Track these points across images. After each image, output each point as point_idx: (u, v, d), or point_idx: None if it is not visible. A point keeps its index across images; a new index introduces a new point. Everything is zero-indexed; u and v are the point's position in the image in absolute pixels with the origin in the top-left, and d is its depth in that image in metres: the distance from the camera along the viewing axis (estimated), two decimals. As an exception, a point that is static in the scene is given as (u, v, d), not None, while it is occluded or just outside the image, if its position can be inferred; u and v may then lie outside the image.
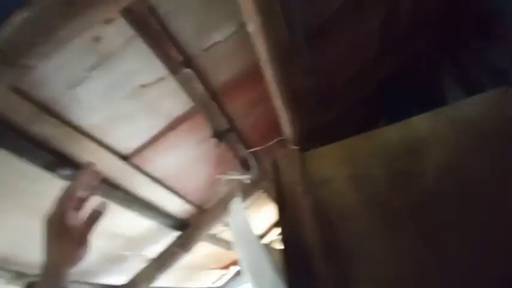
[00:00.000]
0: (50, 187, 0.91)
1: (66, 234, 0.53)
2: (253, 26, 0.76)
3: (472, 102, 0.95)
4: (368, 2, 1.17)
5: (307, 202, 1.06)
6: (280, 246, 2.14)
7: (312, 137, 1.19)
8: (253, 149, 1.43)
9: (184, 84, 0.98)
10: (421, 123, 0.99)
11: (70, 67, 0.75)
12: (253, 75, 1.07)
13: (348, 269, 0.91)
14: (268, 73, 0.87)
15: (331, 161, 1.12)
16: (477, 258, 0.76)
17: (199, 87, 1.02)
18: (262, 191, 1.92)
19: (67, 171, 0.90)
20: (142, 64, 0.87)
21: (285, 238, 1.11)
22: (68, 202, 0.54)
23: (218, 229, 1.83)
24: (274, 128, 1.24)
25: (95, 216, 0.59)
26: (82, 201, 0.58)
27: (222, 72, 1.06)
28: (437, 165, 0.92)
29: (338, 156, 1.12)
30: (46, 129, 0.81)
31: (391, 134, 1.04)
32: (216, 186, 1.48)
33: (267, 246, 2.26)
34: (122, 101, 0.91)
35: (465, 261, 0.77)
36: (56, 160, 0.87)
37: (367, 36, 1.29)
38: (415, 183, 0.95)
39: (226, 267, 2.70)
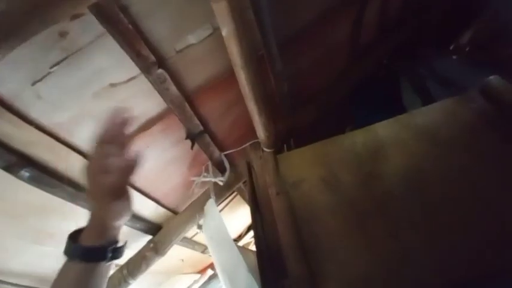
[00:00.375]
0: (11, 189, 0.86)
1: (104, 184, 0.50)
2: (226, 31, 0.78)
3: (428, 111, 1.04)
4: (337, 15, 1.24)
5: (280, 203, 1.09)
6: (253, 248, 2.16)
7: (285, 140, 1.23)
8: (227, 152, 1.44)
9: (157, 85, 0.97)
10: (382, 129, 1.06)
11: (33, 62, 0.71)
12: (227, 78, 1.08)
13: (319, 269, 0.93)
14: (242, 77, 0.89)
15: (303, 164, 1.16)
16: (437, 256, 0.82)
17: (173, 89, 1.01)
18: (236, 193, 1.93)
19: (28, 173, 0.85)
20: (112, 62, 0.85)
21: (258, 239, 1.12)
22: (103, 149, 0.51)
23: (192, 232, 1.81)
24: (248, 130, 1.26)
25: (131, 165, 0.54)
26: (120, 146, 0.53)
27: (196, 75, 1.06)
28: (397, 169, 0.99)
29: (310, 159, 1.16)
30: (5, 128, 0.76)
31: (357, 139, 1.10)
32: (189, 188, 1.47)
33: (243, 249, 2.26)
34: (89, 99, 0.88)
35: (427, 259, 0.83)
36: (17, 160, 0.82)
37: (337, 46, 1.37)
38: (378, 185, 1.01)
39: (202, 271, 2.67)
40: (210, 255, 2.01)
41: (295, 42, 1.23)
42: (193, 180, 1.43)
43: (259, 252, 1.05)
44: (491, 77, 0.98)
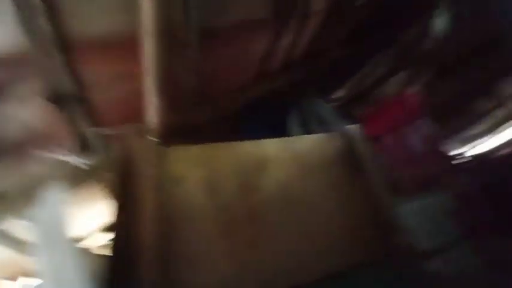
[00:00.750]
0: None
1: None
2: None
3: (306, 139, 1.24)
4: (258, 30, 1.31)
5: (157, 199, 0.97)
6: (104, 251, 1.82)
7: (175, 133, 1.14)
8: (102, 130, 1.19)
9: (27, 17, 0.70)
10: (269, 146, 1.17)
11: None
12: (130, 44, 0.91)
13: (177, 276, 0.88)
14: (149, 46, 0.77)
15: (190, 162, 1.11)
16: (290, 265, 0.92)
17: (46, 27, 0.75)
18: (98, 182, 1.60)
19: None
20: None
21: (118, 240, 0.95)
22: None
23: (11, 223, 1.34)
24: (136, 112, 1.10)
25: None
26: None
27: (91, 22, 0.83)
28: (274, 184, 1.09)
29: (197, 158, 1.12)
30: None
31: (245, 148, 1.15)
32: (29, 163, 1.10)
33: (84, 252, 1.86)
34: None
35: (281, 268, 0.92)
36: None
37: (250, 60, 1.43)
38: (255, 196, 1.08)
39: (13, 278, 1.99)
40: (32, 258, 1.54)
41: (217, 38, 1.19)
42: (40, 154, 1.09)
43: (116, 256, 0.89)
44: (351, 126, 1.29)
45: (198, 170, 1.08)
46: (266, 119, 1.46)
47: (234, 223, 1.01)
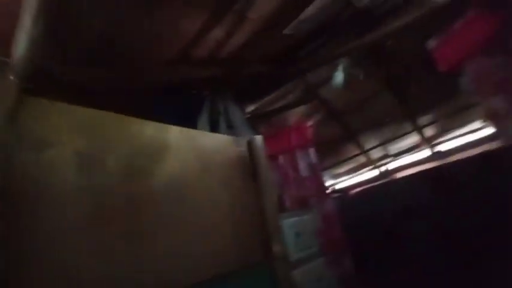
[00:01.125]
0: None
1: None
2: None
3: (211, 137, 1.21)
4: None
5: (3, 167, 0.69)
6: None
7: (60, 89, 0.86)
8: None
9: None
10: (172, 132, 1.05)
11: None
12: None
13: (28, 272, 0.65)
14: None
15: (66, 124, 0.85)
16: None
17: None
18: None
19: None
20: None
21: None
22: None
23: None
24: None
25: None
26: None
27: None
28: (168, 172, 0.98)
29: (78, 123, 0.88)
30: None
31: (143, 128, 1.00)
32: None
33: None
34: None
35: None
36: None
37: (180, 33, 1.30)
38: (144, 181, 0.94)
39: None
40: None
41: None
42: None
43: None
44: (254, 136, 1.34)
45: (75, 138, 0.85)
46: (176, 105, 1.34)
47: (110, 211, 0.83)
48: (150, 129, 1.01)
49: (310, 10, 1.73)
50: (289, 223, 1.85)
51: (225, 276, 0.96)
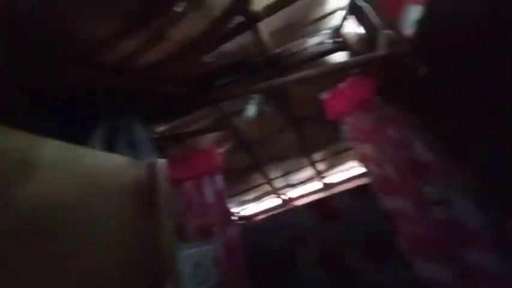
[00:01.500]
0: None
1: None
2: None
3: (107, 157, 1.05)
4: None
5: None
6: None
7: None
8: None
9: None
10: (47, 147, 0.86)
11: None
12: None
13: None
14: None
15: None
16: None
17: None
18: None
19: None
20: None
21: None
22: None
23: None
24: None
25: None
26: None
27: None
28: (29, 197, 0.78)
29: None
30: None
31: (10, 140, 0.79)
32: None
33: None
34: None
35: None
36: None
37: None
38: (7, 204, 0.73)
39: None
40: None
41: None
42: None
43: None
44: (156, 160, 1.25)
45: None
46: (65, 115, 1.11)
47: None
48: (12, 141, 0.80)
49: (230, 46, 1.85)
50: (188, 254, 1.75)
51: None
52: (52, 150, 0.86)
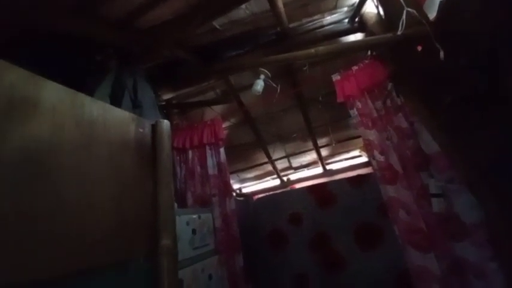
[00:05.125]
0: None
1: None
2: None
3: (110, 110, 1.04)
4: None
5: None
6: None
7: None
8: None
9: None
10: (49, 89, 0.84)
11: None
12: None
13: None
14: None
15: None
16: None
17: None
18: None
19: None
20: None
21: None
22: None
23: None
24: None
25: None
26: None
27: None
28: (25, 136, 0.77)
29: None
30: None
31: (6, 73, 0.76)
32: None
33: None
34: None
35: None
36: None
37: None
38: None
39: None
40: None
41: None
42: None
43: None
44: (161, 120, 1.24)
45: None
46: (69, 65, 1.09)
47: None
48: (13, 77, 0.76)
49: (243, 13, 1.79)
50: (187, 219, 1.80)
51: (102, 267, 0.83)
52: (56, 92, 0.85)
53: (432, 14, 1.54)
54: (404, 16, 1.51)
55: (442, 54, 1.38)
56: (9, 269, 0.64)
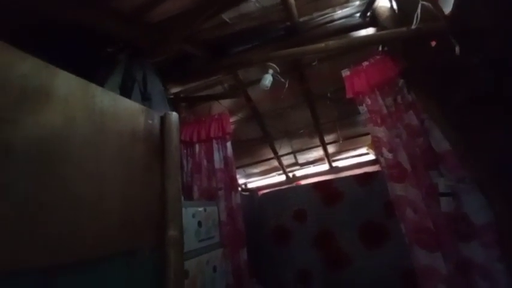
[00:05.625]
0: None
1: None
2: None
3: (120, 101, 1.04)
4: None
5: None
6: None
7: None
8: None
9: None
10: (61, 78, 0.84)
11: None
12: None
13: None
14: None
15: None
16: None
17: None
18: None
19: None
20: None
21: None
22: None
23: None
24: None
25: None
26: None
27: None
28: (37, 125, 0.78)
29: None
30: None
31: (19, 62, 0.76)
32: None
33: None
34: None
35: None
36: None
37: None
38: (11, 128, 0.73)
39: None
40: None
41: None
42: None
43: None
44: (169, 112, 1.25)
45: None
46: (81, 56, 1.10)
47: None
48: (27, 66, 0.76)
49: (253, 7, 1.77)
50: (193, 212, 1.81)
51: (109, 257, 0.84)
52: (68, 82, 0.86)
53: (447, 9, 1.50)
54: (419, 10, 1.47)
55: (457, 49, 1.34)
56: (17, 256, 0.65)
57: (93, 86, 0.94)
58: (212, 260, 1.84)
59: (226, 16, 1.77)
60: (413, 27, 1.52)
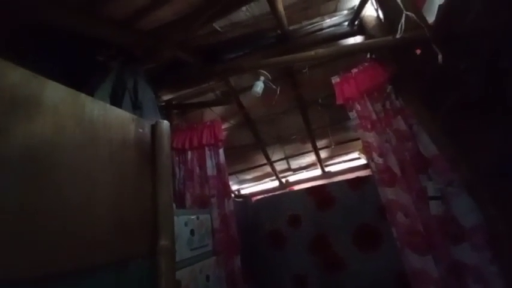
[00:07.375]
0: None
1: None
2: None
3: (110, 110, 1.04)
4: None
5: None
6: None
7: None
8: None
9: None
10: (50, 88, 0.84)
11: None
12: None
13: None
14: None
15: None
16: None
17: None
18: None
19: None
20: None
21: None
22: None
23: None
24: None
25: None
26: None
27: None
28: (26, 134, 0.78)
29: None
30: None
31: (9, 73, 0.77)
32: None
33: None
34: None
35: None
36: None
37: None
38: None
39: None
40: None
41: None
42: None
43: None
44: (160, 121, 1.24)
45: None
46: (70, 64, 1.10)
47: None
48: (17, 76, 0.77)
49: (243, 16, 1.80)
50: (186, 220, 1.80)
51: (100, 267, 0.83)
52: (57, 92, 0.86)
53: (431, 18, 1.55)
54: (403, 19, 1.52)
55: (440, 57, 1.39)
56: (8, 266, 0.64)
57: (83, 95, 0.94)
58: (205, 268, 1.82)
59: (217, 25, 1.79)
60: (398, 36, 1.57)
